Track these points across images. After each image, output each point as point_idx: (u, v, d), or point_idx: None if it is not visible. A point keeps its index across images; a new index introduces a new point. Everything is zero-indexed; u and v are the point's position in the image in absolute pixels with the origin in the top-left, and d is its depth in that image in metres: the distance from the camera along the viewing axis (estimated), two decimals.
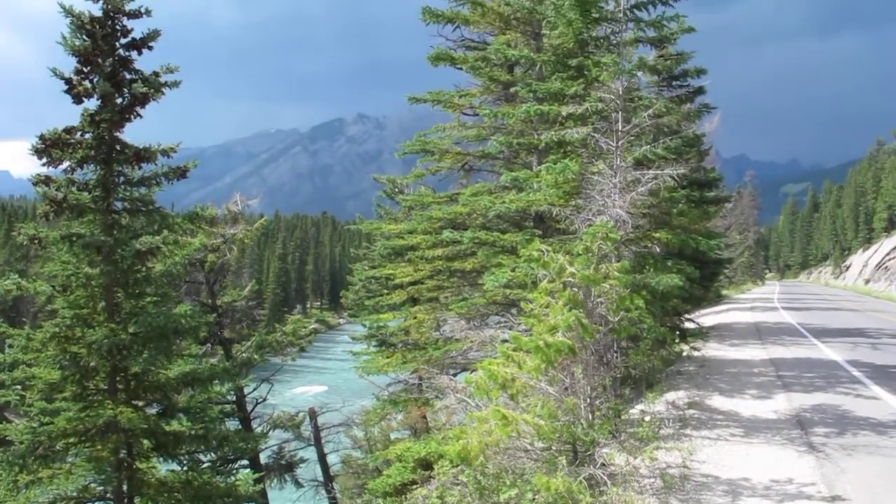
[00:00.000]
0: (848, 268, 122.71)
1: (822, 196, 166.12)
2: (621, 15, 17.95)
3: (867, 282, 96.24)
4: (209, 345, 27.87)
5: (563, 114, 16.24)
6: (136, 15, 17.51)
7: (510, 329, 17.36)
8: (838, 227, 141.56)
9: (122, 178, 17.51)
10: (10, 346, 18.31)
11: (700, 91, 31.73)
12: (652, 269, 15.92)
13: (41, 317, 46.05)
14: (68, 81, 17.16)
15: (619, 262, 12.12)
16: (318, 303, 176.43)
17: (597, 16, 17.78)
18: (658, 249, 17.07)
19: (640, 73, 24.56)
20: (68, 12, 16.92)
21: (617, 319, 11.50)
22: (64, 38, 17.01)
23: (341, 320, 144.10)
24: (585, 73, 17.11)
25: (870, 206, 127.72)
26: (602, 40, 18.30)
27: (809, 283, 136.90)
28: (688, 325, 29.70)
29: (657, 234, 16.53)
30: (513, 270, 15.85)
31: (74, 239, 16.41)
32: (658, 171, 15.66)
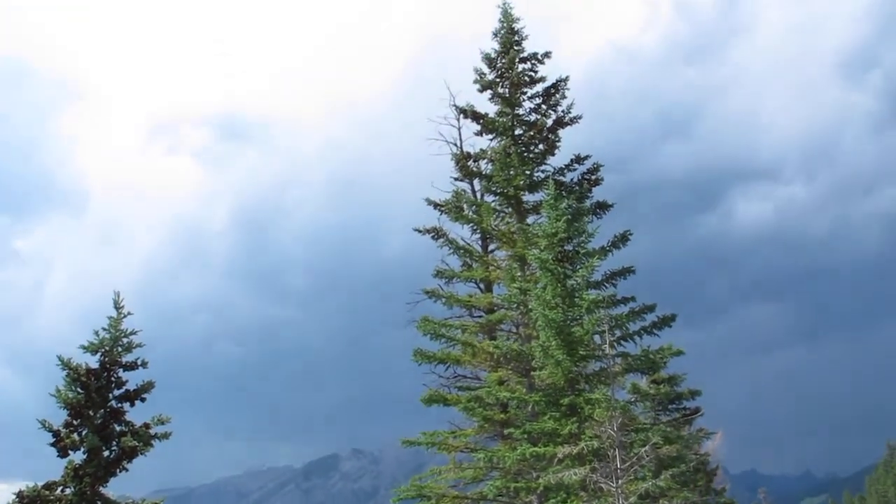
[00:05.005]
0: None
1: None
2: (607, 348, 18.36)
3: None
4: None
5: (560, 455, 15.89)
6: (132, 367, 17.84)
7: None
8: None
9: None
10: None
11: (697, 412, 31.73)
12: None
13: None
14: (56, 434, 16.93)
15: None
16: None
17: (584, 353, 18.20)
18: None
19: (634, 398, 24.64)
20: (66, 365, 17.20)
21: None
22: (58, 390, 17.11)
23: None
24: (578, 410, 17.07)
25: None
26: (592, 376, 18.53)
27: None
28: None
29: None
30: None
31: None
32: None
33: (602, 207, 25.22)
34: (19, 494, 16.10)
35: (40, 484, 16.46)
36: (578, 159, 25.78)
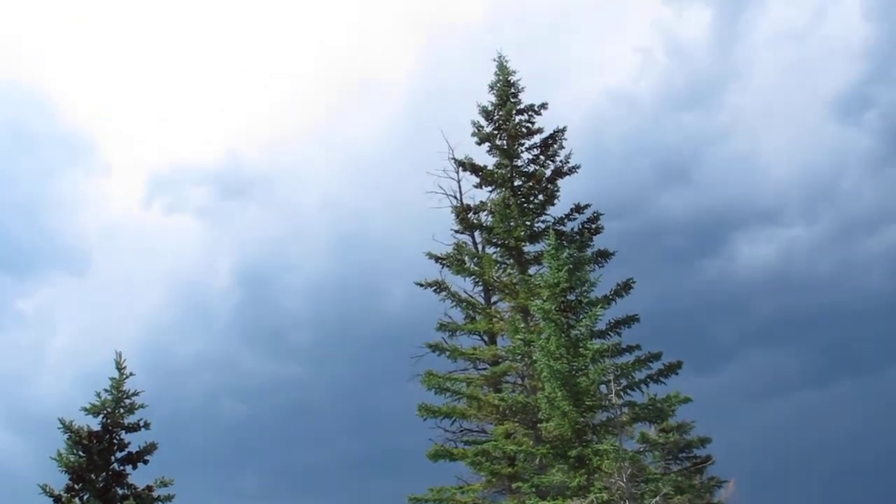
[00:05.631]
0: None
1: None
2: (614, 398, 18.21)
3: None
4: None
5: None
6: (134, 428, 17.71)
7: None
8: None
9: None
10: None
11: (708, 460, 31.27)
12: None
13: None
14: (57, 499, 16.77)
15: None
16: None
17: (591, 403, 18.03)
18: None
19: (643, 448, 24.30)
20: (67, 428, 17.08)
21: None
22: (59, 454, 16.97)
23: None
24: (587, 462, 16.84)
25: None
26: (599, 427, 18.33)
27: None
28: None
29: None
30: None
31: None
32: None
33: (603, 256, 25.22)
34: None
35: None
36: (578, 208, 25.90)
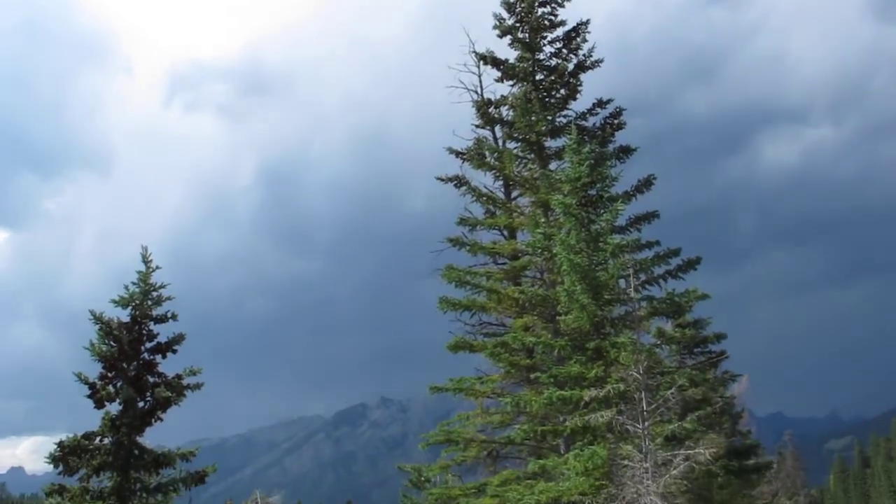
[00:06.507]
0: None
1: (870, 450, 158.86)
2: (632, 292, 18.39)
3: None
4: None
5: (586, 398, 16.05)
6: (162, 320, 18.12)
7: None
8: (895, 482, 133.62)
9: (138, 485, 17.01)
10: None
11: (722, 355, 31.79)
12: None
13: None
14: (92, 386, 17.31)
15: None
16: None
17: (609, 297, 18.22)
18: None
19: (660, 342, 24.72)
20: (98, 319, 17.49)
21: None
22: (92, 344, 17.42)
23: None
24: (604, 354, 17.16)
25: None
26: (617, 320, 18.58)
27: None
28: None
29: None
30: None
31: None
32: (690, 451, 15.11)
33: (625, 152, 24.97)
34: (60, 444, 16.56)
35: (80, 434, 16.91)
36: (600, 104, 25.47)
